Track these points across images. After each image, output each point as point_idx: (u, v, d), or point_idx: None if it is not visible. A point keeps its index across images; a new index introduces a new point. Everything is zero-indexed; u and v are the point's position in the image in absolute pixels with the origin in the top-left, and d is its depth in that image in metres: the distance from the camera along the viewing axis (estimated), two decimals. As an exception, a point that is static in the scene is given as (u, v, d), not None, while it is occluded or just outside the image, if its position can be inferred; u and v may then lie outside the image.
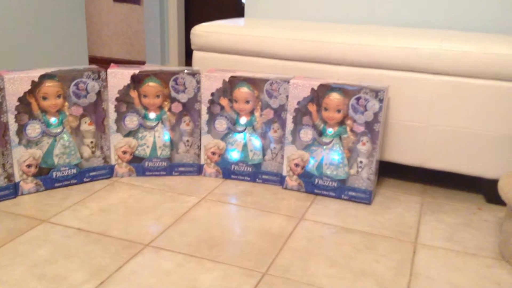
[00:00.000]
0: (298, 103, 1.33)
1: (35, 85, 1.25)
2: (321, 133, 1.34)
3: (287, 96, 1.36)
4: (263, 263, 1.03)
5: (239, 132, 1.43)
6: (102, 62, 3.18)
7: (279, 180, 1.42)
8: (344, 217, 1.24)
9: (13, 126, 1.24)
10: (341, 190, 1.34)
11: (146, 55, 3.19)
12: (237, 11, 3.51)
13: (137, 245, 1.07)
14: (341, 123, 1.31)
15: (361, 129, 1.29)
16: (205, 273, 0.98)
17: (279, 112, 1.38)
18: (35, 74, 1.25)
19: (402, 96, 1.34)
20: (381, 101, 1.26)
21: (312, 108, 1.32)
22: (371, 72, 1.37)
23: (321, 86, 1.31)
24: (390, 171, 1.53)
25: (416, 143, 1.36)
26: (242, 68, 1.51)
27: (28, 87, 1.24)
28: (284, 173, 1.39)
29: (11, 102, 1.22)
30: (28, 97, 1.25)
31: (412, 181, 1.49)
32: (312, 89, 1.31)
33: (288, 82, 1.34)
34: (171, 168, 1.45)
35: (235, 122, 1.42)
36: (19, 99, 1.23)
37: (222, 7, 3.60)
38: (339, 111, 1.30)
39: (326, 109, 1.31)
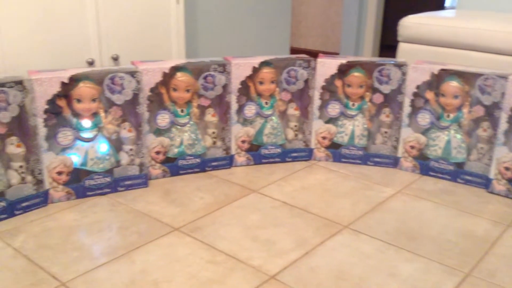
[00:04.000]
0: (516, 101, 1.23)
1: (255, 71, 1.40)
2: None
3: (502, 94, 1.26)
4: (466, 263, 0.99)
5: (443, 128, 1.38)
6: (298, 53, 3.36)
7: (484, 182, 1.33)
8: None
9: (234, 106, 1.41)
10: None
11: (340, 47, 3.26)
12: (438, 4, 3.33)
13: (336, 225, 1.13)
14: None
15: None
16: (405, 263, 0.99)
17: (491, 110, 1.29)
18: (255, 61, 1.40)
19: None
20: None
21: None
22: None
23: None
24: None
25: None
26: (451, 61, 1.45)
27: (249, 72, 1.40)
28: (491, 176, 1.30)
29: (235, 85, 1.39)
30: (248, 81, 1.41)
31: None
32: (536, 87, 1.19)
33: (506, 78, 1.25)
34: (366, 157, 1.48)
35: (439, 117, 1.38)
36: (241, 83, 1.40)
37: (422, 0, 3.46)
38: None
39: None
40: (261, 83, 1.42)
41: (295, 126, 1.48)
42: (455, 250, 1.04)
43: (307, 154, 1.51)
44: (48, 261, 0.97)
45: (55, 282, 0.91)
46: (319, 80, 1.44)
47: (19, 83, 1.11)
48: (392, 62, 1.41)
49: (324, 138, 1.49)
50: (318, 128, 1.48)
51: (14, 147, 1.12)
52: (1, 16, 1.24)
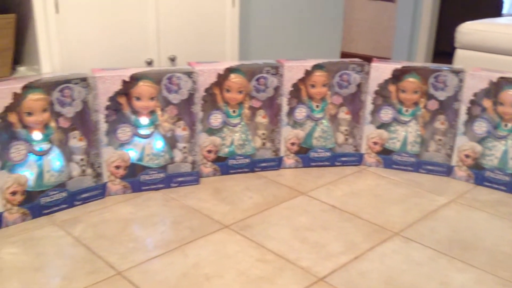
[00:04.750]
0: None
1: (307, 74, 1.41)
2: None
3: None
4: (523, 277, 0.96)
5: (500, 137, 1.34)
6: (348, 57, 3.33)
7: (543, 195, 1.28)
8: None
9: (285, 108, 1.42)
10: None
11: (392, 52, 3.21)
12: (495, 11, 3.22)
13: (387, 231, 1.12)
14: None
15: None
16: (457, 273, 0.97)
17: (553, 120, 1.24)
18: (308, 64, 1.41)
19: None
20: None
21: None
22: None
23: None
24: None
25: None
26: (510, 69, 1.40)
27: (301, 75, 1.41)
28: (551, 188, 1.25)
29: (287, 87, 1.40)
30: (300, 84, 1.42)
31: None
32: None
33: None
34: (419, 164, 1.45)
35: (496, 126, 1.34)
36: (293, 85, 1.41)
37: (479, 6, 3.35)
38: None
39: None
40: (312, 86, 1.42)
41: (346, 130, 1.48)
42: (510, 262, 1.01)
43: (357, 159, 1.50)
44: (106, 250, 1.02)
45: (112, 271, 0.95)
46: (372, 84, 1.43)
47: (83, 80, 1.16)
48: (449, 68, 1.38)
49: (375, 143, 1.48)
50: (369, 133, 1.47)
51: (76, 141, 1.18)
52: (70, 16, 1.31)
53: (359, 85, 1.44)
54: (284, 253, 1.02)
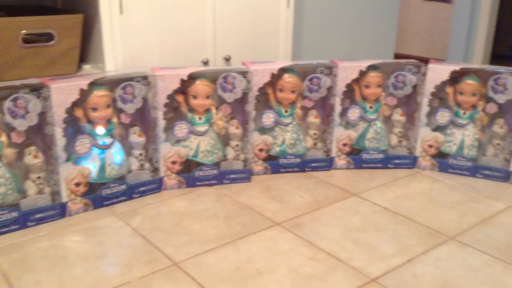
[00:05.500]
0: None
1: (362, 75, 1.40)
2: None
3: None
4: None
5: None
6: (401, 59, 3.27)
7: None
8: None
9: (338, 109, 1.42)
10: None
11: (448, 54, 3.13)
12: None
13: (442, 235, 1.10)
14: None
15: None
16: (516, 281, 0.94)
17: None
18: (363, 65, 1.40)
19: None
20: None
21: None
22: None
23: None
24: None
25: None
26: None
27: (355, 75, 1.40)
28: None
29: (340, 87, 1.40)
30: (353, 84, 1.41)
31: None
32: None
33: None
34: (475, 169, 1.41)
35: (561, 131, 1.28)
36: (347, 86, 1.40)
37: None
38: None
39: None
40: (367, 87, 1.41)
41: (400, 132, 1.46)
42: None
43: (410, 162, 1.47)
44: (162, 242, 1.06)
45: (168, 262, 0.98)
46: (429, 86, 1.41)
47: (144, 78, 1.21)
48: (509, 71, 1.33)
49: (430, 146, 1.45)
50: (424, 135, 1.44)
51: (136, 136, 1.24)
52: (133, 18, 1.37)
53: (415, 87, 1.42)
54: (336, 252, 1.03)
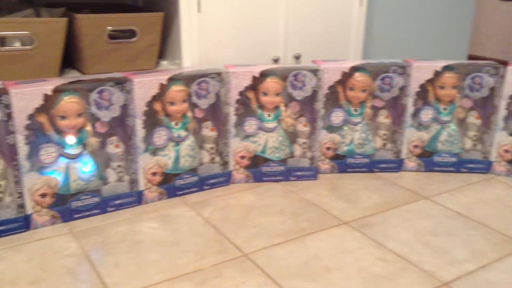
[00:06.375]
0: None
1: (436, 75, 1.37)
2: None
3: None
4: None
5: None
6: (474, 60, 3.13)
7: None
8: None
9: (410, 109, 1.39)
10: None
11: (523, 56, 2.96)
12: None
13: (519, 244, 1.05)
14: None
15: None
16: None
17: None
18: (438, 65, 1.36)
19: None
20: None
21: None
22: None
23: None
24: None
25: None
26: None
27: (430, 76, 1.37)
28: None
29: (413, 87, 1.37)
30: (427, 85, 1.38)
31: None
32: None
33: None
34: (557, 177, 1.34)
35: None
36: (420, 86, 1.37)
37: None
38: None
39: None
40: (441, 87, 1.37)
41: (474, 135, 1.41)
42: None
43: (485, 167, 1.42)
44: (232, 233, 1.09)
45: (238, 252, 1.01)
46: (508, 88, 1.35)
47: (218, 75, 1.25)
48: None
49: (506, 151, 1.39)
50: (501, 140, 1.38)
51: (208, 131, 1.28)
52: (210, 16, 1.41)
53: (492, 89, 1.36)
54: (406, 254, 1.01)
